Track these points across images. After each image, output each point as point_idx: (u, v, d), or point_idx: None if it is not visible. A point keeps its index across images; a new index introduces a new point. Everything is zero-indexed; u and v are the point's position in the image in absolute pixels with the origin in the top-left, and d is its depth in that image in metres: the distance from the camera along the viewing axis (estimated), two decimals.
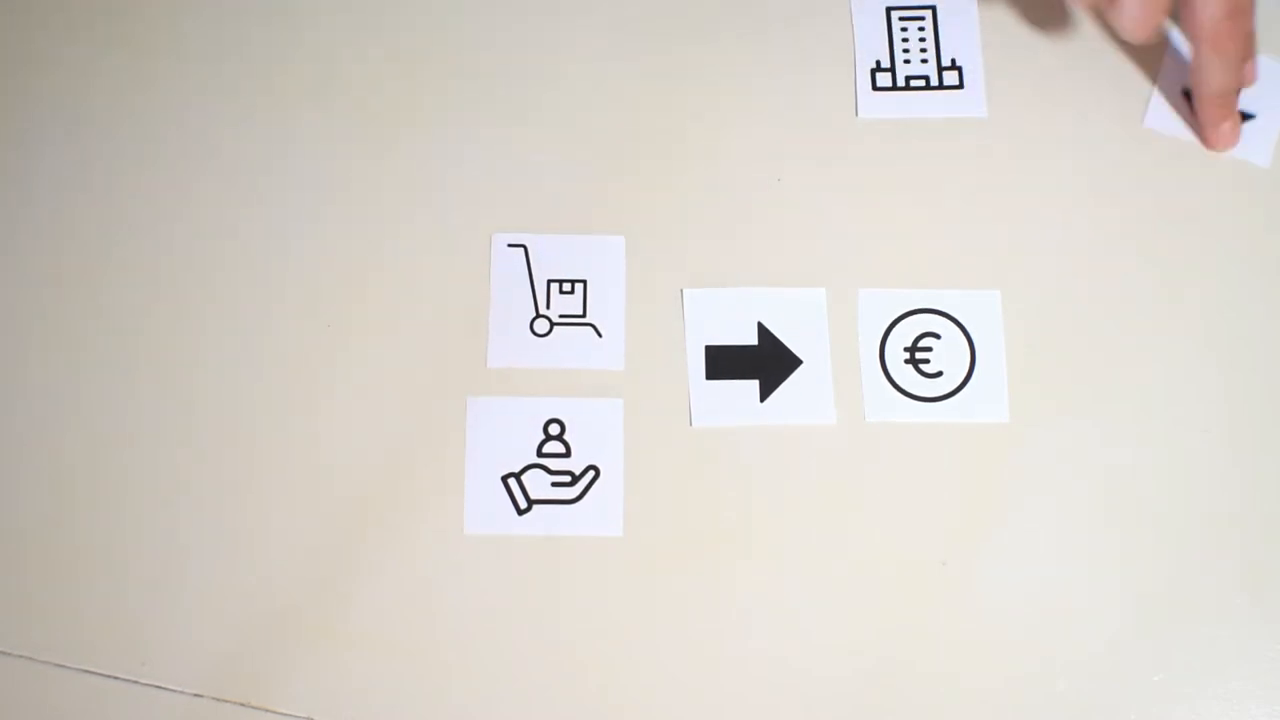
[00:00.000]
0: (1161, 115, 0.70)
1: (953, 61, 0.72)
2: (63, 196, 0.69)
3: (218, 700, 0.62)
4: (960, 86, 0.71)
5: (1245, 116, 0.70)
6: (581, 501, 0.65)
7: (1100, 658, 0.63)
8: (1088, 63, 0.72)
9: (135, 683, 0.62)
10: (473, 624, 0.63)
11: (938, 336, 0.67)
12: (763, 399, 0.66)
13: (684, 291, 0.68)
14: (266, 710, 0.62)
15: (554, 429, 0.66)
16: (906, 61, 0.72)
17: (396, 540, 0.64)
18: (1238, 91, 0.69)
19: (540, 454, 0.65)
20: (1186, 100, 0.70)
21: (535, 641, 0.63)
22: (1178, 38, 0.71)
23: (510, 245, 0.68)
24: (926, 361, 0.67)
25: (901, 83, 0.71)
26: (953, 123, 0.71)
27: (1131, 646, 0.63)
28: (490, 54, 0.72)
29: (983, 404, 0.66)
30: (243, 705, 0.62)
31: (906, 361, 0.67)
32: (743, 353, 0.67)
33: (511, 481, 0.65)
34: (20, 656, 0.62)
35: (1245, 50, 0.68)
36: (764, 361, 0.67)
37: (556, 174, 0.70)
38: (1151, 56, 0.72)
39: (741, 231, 0.69)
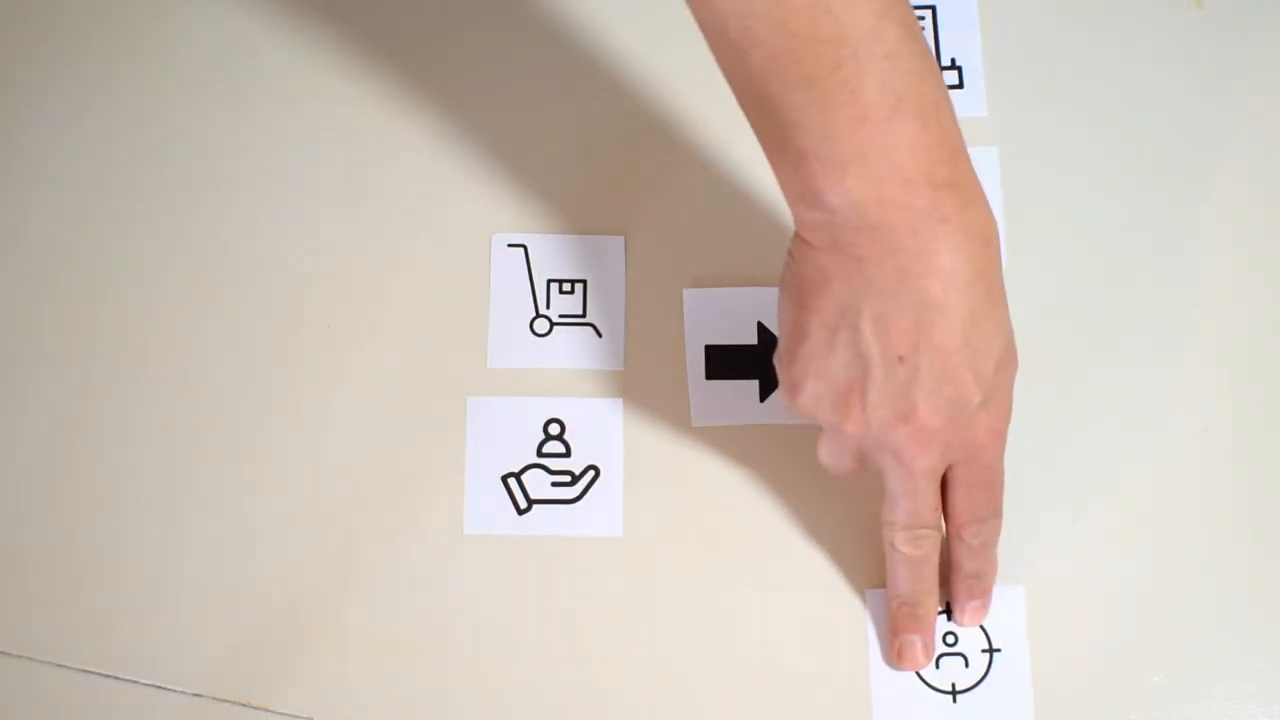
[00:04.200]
0: None
1: (953, 61, 0.72)
2: (64, 199, 0.69)
3: (218, 700, 0.62)
4: (960, 86, 0.71)
5: None
6: (581, 501, 0.65)
7: (1100, 658, 0.63)
8: (1087, 62, 0.72)
9: (135, 683, 0.62)
10: (473, 624, 0.63)
11: None
12: (763, 399, 0.66)
13: (684, 291, 0.68)
14: (266, 710, 0.62)
15: (554, 429, 0.66)
16: None
17: (396, 540, 0.64)
18: (930, 610, 0.61)
19: (540, 454, 0.65)
20: None
21: (535, 641, 0.63)
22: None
23: (510, 245, 0.68)
24: None
25: None
26: None
27: (1131, 646, 0.63)
28: (491, 54, 0.72)
29: None
30: (243, 705, 0.62)
31: None
32: (743, 353, 0.67)
33: (511, 481, 0.65)
34: (20, 656, 0.62)
35: (930, 563, 0.60)
36: (764, 361, 0.66)
37: (556, 174, 0.70)
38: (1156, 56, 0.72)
39: (741, 231, 0.69)
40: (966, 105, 0.71)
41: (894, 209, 0.51)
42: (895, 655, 0.61)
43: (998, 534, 0.60)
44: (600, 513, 0.65)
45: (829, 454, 0.58)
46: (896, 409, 0.53)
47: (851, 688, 0.62)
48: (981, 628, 0.63)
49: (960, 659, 0.62)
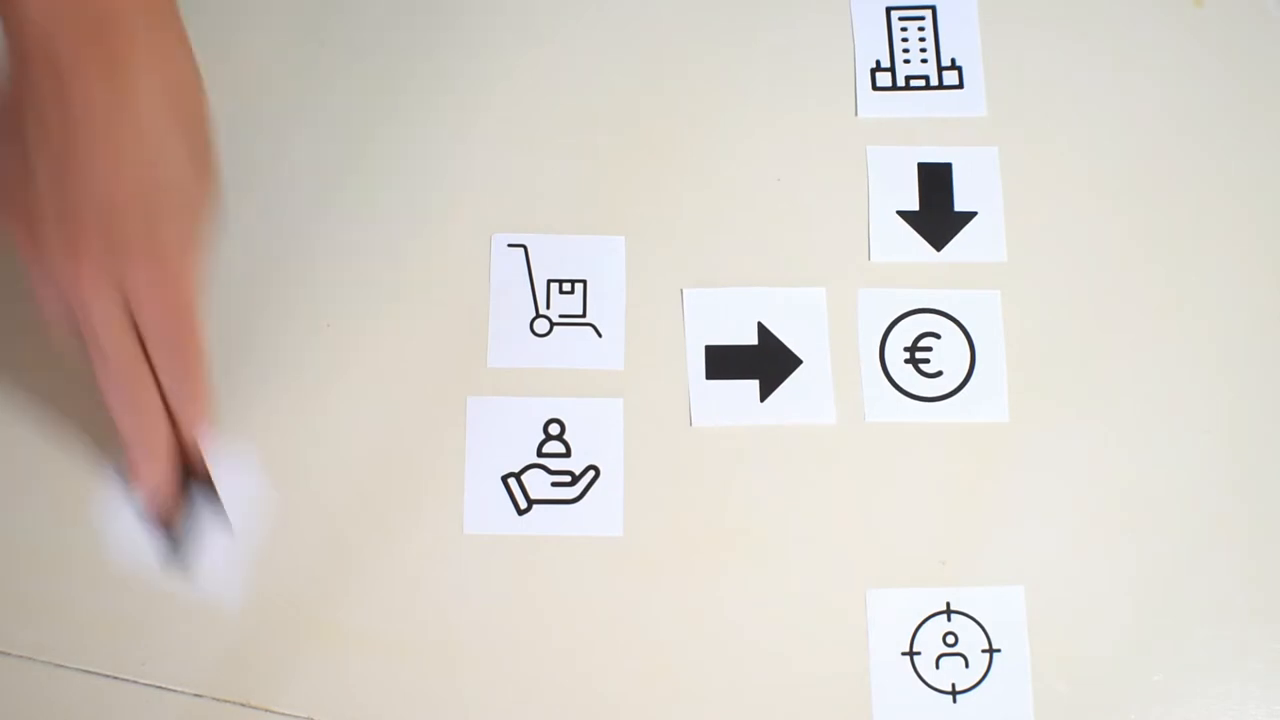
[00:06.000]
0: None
1: (953, 61, 0.72)
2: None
3: (218, 700, 0.62)
4: (960, 86, 0.71)
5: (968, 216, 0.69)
6: (581, 501, 0.65)
7: (1100, 658, 0.63)
8: (1087, 62, 0.72)
9: (135, 683, 0.62)
10: (473, 624, 0.63)
11: (938, 336, 0.67)
12: (763, 399, 0.66)
13: (684, 291, 0.68)
14: (266, 710, 0.62)
15: (554, 429, 0.66)
16: (906, 61, 0.72)
17: (396, 540, 0.64)
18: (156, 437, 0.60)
19: (540, 454, 0.65)
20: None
21: (535, 641, 0.63)
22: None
23: (510, 245, 0.68)
24: (926, 361, 0.67)
25: (901, 82, 0.71)
26: (953, 122, 0.71)
27: (1131, 646, 0.63)
28: (490, 54, 0.72)
29: (983, 404, 0.66)
30: (243, 705, 0.62)
31: (906, 361, 0.67)
32: (743, 353, 0.67)
33: (511, 481, 0.65)
34: (20, 656, 0.62)
35: (139, 402, 0.58)
36: (764, 361, 0.67)
37: (556, 174, 0.70)
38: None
39: (741, 231, 0.69)
40: (966, 105, 0.71)
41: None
42: (136, 479, 0.61)
43: (198, 401, 0.60)
44: (600, 513, 0.65)
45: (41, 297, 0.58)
46: (61, 235, 0.54)
47: (851, 688, 0.62)
48: (981, 627, 0.63)
49: (960, 659, 0.62)
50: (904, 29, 0.72)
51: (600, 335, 0.67)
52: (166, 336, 0.57)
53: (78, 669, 0.62)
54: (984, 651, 0.63)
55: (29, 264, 0.57)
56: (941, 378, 0.67)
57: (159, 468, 0.61)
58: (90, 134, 0.53)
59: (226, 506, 0.62)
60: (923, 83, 0.71)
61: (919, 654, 0.63)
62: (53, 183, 0.54)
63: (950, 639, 0.63)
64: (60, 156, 0.53)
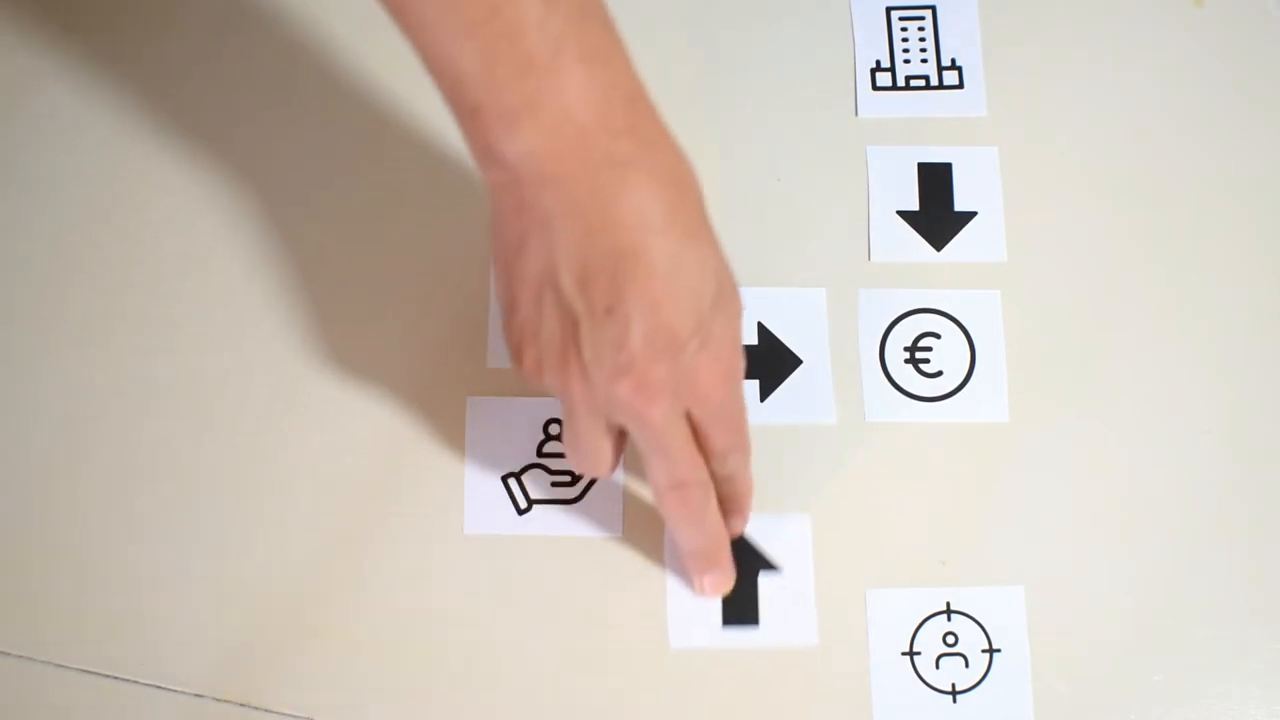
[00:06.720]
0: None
1: (953, 61, 0.72)
2: (63, 193, 0.69)
3: (218, 700, 0.62)
4: (960, 86, 0.71)
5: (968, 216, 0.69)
6: (581, 501, 0.65)
7: (1100, 658, 0.63)
8: (1087, 62, 0.72)
9: (135, 683, 0.62)
10: (473, 624, 0.63)
11: (938, 336, 0.67)
12: (763, 399, 0.66)
13: None
14: (266, 710, 0.62)
15: (554, 429, 0.66)
16: (906, 61, 0.72)
17: (396, 540, 0.64)
18: (720, 548, 0.61)
19: (540, 454, 0.65)
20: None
21: (535, 641, 0.63)
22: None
23: None
24: (926, 361, 0.67)
25: (901, 83, 0.71)
26: (953, 122, 0.71)
27: (1131, 646, 0.63)
28: None
29: (983, 404, 0.66)
30: (243, 705, 0.62)
31: (906, 361, 0.67)
32: None
33: (511, 481, 0.65)
34: (20, 656, 0.62)
35: (706, 513, 0.58)
36: (764, 361, 0.67)
37: None
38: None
39: (741, 231, 0.68)
40: (966, 105, 0.71)
41: (570, 160, 0.50)
42: (702, 590, 0.62)
43: (745, 461, 0.59)
44: (600, 513, 0.65)
45: (577, 438, 0.56)
46: (615, 362, 0.51)
47: (851, 688, 0.62)
48: (981, 627, 0.63)
49: (960, 659, 0.62)
50: (904, 29, 0.72)
51: None
52: (718, 417, 0.55)
53: (78, 669, 0.62)
54: (984, 651, 0.63)
55: (556, 393, 0.54)
56: (941, 378, 0.67)
57: (726, 576, 0.62)
58: (641, 247, 0.50)
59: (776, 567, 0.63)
60: (923, 83, 0.71)
61: (919, 654, 0.63)
62: (601, 320, 0.51)
63: (950, 639, 0.63)
64: (612, 285, 0.50)
